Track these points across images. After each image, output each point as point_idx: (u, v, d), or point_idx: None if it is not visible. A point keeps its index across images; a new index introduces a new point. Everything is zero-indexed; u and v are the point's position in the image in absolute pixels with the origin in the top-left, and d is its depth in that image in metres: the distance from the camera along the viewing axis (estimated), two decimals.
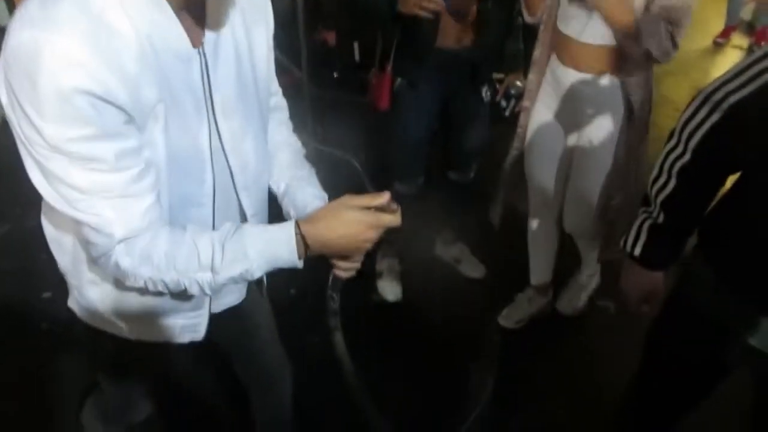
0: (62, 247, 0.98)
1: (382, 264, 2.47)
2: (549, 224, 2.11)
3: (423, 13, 1.68)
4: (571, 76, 1.77)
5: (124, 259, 0.81)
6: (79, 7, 0.71)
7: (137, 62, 0.75)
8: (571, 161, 1.95)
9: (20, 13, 0.72)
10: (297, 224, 0.86)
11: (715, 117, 1.02)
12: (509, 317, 2.29)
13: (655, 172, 1.15)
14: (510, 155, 2.10)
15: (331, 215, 0.87)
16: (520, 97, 1.87)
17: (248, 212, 1.03)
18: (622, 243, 1.23)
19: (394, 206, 0.89)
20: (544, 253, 2.20)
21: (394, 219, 0.88)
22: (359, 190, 2.86)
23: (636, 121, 1.77)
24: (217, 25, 0.86)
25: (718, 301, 1.14)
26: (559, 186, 2.00)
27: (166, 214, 0.88)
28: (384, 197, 0.88)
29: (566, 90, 1.80)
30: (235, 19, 0.90)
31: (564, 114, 1.88)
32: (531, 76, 1.90)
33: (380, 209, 0.88)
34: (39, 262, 1.52)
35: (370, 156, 2.92)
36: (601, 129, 1.81)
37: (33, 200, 0.86)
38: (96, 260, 0.84)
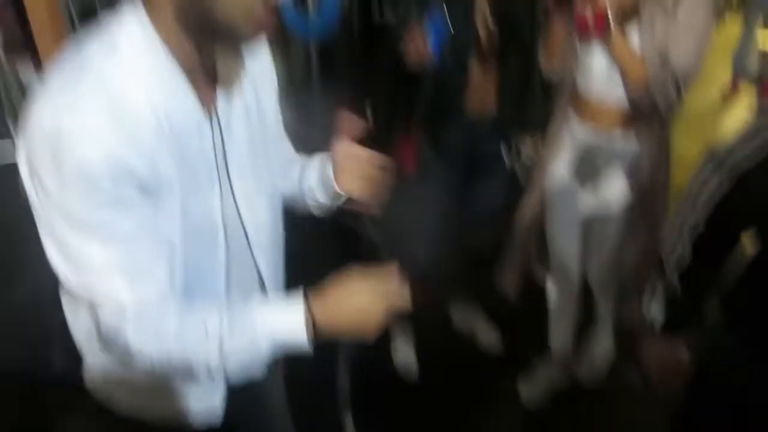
0: (78, 318, 0.97)
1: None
2: (571, 286, 2.07)
3: (411, 62, 1.70)
4: (589, 132, 1.79)
5: (132, 334, 0.80)
6: (97, 86, 0.74)
7: (153, 135, 0.77)
8: (591, 218, 1.93)
9: (42, 94, 0.75)
10: (307, 300, 0.85)
11: (725, 185, 1.02)
12: (530, 391, 2.20)
13: (667, 235, 1.14)
14: (523, 216, 2.07)
15: (339, 288, 0.86)
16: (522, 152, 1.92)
17: (264, 273, 1.03)
18: (637, 306, 1.20)
19: (403, 275, 0.89)
20: (566, 316, 2.15)
21: (404, 290, 0.88)
22: (373, 257, 2.85)
23: (654, 181, 1.78)
24: (228, 87, 0.88)
25: (750, 376, 1.09)
26: (581, 245, 1.97)
27: (180, 284, 0.88)
28: (391, 267, 0.88)
29: (584, 146, 1.82)
30: (244, 83, 0.92)
31: (583, 170, 1.88)
32: (549, 132, 1.93)
33: (389, 279, 0.88)
34: (54, 328, 1.50)
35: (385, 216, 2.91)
36: (617, 187, 1.82)
37: (45, 265, 0.85)
38: (105, 337, 0.83)
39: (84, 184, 0.72)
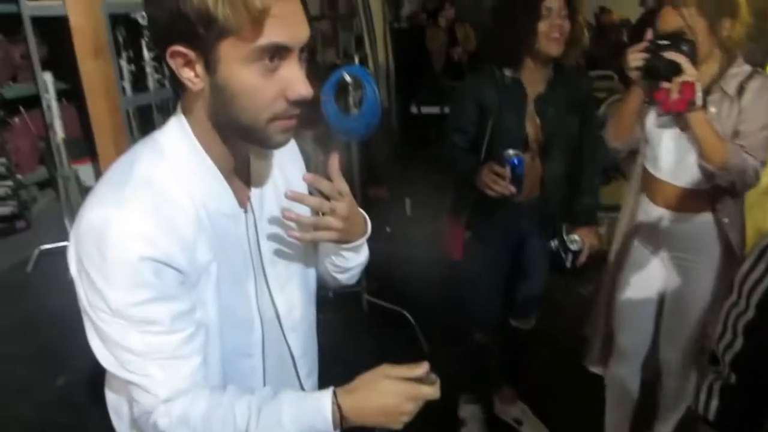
0: (120, 415, 0.97)
1: (465, 411, 2.35)
2: (633, 370, 1.98)
3: (491, 193, 1.75)
4: (664, 215, 1.76)
5: (163, 419, 0.81)
6: (142, 185, 0.79)
7: (193, 227, 0.81)
8: (663, 301, 1.87)
9: (92, 194, 0.80)
10: (334, 393, 0.85)
11: None
12: None
13: (719, 329, 1.07)
14: (599, 302, 2.03)
15: (369, 385, 0.85)
16: (579, 252, 1.86)
17: (296, 354, 1.03)
18: (693, 404, 1.12)
19: (433, 377, 0.87)
20: (624, 404, 2.04)
21: (433, 391, 0.86)
22: (413, 341, 2.81)
23: (735, 260, 1.69)
24: (261, 181, 0.94)
25: None
26: (651, 328, 1.92)
27: (218, 368, 0.90)
28: (423, 368, 0.87)
29: (660, 229, 1.78)
30: (276, 175, 0.98)
31: (659, 252, 1.83)
32: (620, 216, 1.94)
33: (419, 380, 0.86)
34: (93, 418, 1.52)
35: (426, 305, 2.92)
36: (701, 266, 1.75)
37: (92, 354, 0.88)
38: (137, 418, 0.85)
39: (127, 276, 0.75)
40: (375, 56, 5.18)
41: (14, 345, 2.64)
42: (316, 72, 4.82)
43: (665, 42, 1.52)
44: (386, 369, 0.86)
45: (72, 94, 3.36)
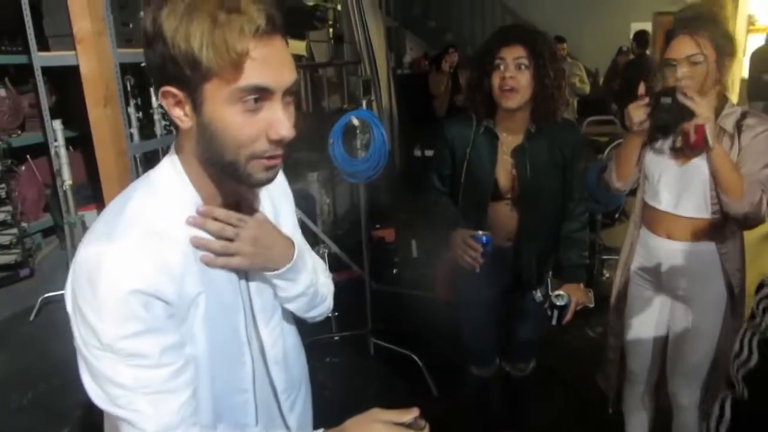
0: None
1: None
2: (645, 395, 2.05)
3: (460, 262, 1.77)
4: (665, 245, 1.81)
5: None
6: (133, 220, 0.81)
7: (182, 260, 0.83)
8: (668, 332, 1.92)
9: (89, 232, 0.83)
10: None
11: None
12: None
13: (736, 347, 1.10)
14: (609, 343, 2.08)
15: (358, 428, 0.86)
16: (565, 308, 1.81)
17: (278, 388, 1.03)
18: (706, 424, 1.12)
19: (422, 423, 0.87)
20: (639, 424, 2.11)
21: None
22: (421, 383, 2.76)
23: (735, 290, 1.75)
24: (250, 213, 0.95)
25: None
26: (659, 359, 1.97)
27: (209, 404, 0.89)
28: (413, 413, 0.87)
29: (661, 259, 1.82)
30: (265, 204, 1.00)
31: (660, 283, 1.87)
32: (622, 251, 1.98)
33: (409, 426, 0.86)
34: None
35: (433, 347, 2.87)
36: (702, 297, 1.79)
37: (94, 406, 0.87)
38: None
39: (116, 309, 0.76)
40: (379, 101, 5.27)
41: (16, 395, 2.59)
42: (322, 116, 4.91)
43: (667, 99, 1.58)
44: (376, 413, 0.86)
45: (78, 141, 3.40)
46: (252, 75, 0.76)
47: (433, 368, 2.88)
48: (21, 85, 3.56)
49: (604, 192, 3.96)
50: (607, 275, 4.09)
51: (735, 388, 1.11)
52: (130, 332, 0.77)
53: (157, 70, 0.78)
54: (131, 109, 2.87)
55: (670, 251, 1.79)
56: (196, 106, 0.79)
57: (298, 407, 1.10)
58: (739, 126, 1.65)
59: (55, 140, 2.90)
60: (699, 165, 1.68)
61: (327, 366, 2.98)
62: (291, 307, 1.07)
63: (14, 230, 3.39)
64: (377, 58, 5.26)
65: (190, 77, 0.76)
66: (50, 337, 2.91)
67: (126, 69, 2.78)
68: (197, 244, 0.87)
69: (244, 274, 0.95)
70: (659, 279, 1.86)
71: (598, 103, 6.50)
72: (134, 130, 2.89)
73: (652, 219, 1.83)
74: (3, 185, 3.27)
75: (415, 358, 2.87)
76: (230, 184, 0.88)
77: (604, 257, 4.16)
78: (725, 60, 1.65)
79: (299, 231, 1.12)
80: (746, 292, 1.77)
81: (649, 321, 1.94)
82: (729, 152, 1.64)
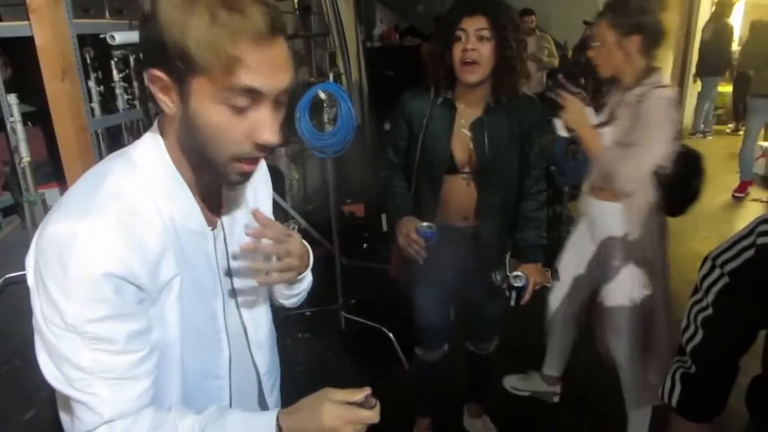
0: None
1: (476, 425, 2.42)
2: (570, 314, 2.41)
3: (406, 254, 1.77)
4: (593, 204, 2.12)
5: None
6: (111, 198, 0.79)
7: (159, 241, 0.82)
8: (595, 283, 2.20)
9: (59, 205, 0.80)
10: (278, 417, 0.86)
11: (723, 280, 1.06)
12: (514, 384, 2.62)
13: (684, 322, 1.16)
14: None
15: (310, 407, 0.87)
16: (523, 289, 1.78)
17: (261, 370, 1.05)
18: (659, 392, 1.18)
19: (373, 402, 0.89)
20: (564, 340, 2.50)
21: (373, 416, 0.87)
22: (392, 358, 2.81)
23: (643, 250, 2.04)
24: (231, 206, 0.96)
25: None
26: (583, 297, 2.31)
27: (177, 391, 0.89)
28: (364, 392, 0.88)
29: (591, 215, 2.17)
30: (249, 197, 1.00)
31: (592, 235, 2.20)
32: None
33: (360, 405, 0.87)
34: None
35: (402, 323, 2.89)
36: (624, 247, 2.07)
37: None
38: None
39: (87, 291, 0.74)
40: (349, 74, 5.20)
41: None
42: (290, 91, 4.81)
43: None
44: (328, 392, 0.88)
45: (37, 117, 3.28)
46: (243, 78, 0.74)
47: (404, 342, 2.92)
48: None
49: (570, 165, 4.03)
50: None
51: (685, 359, 1.16)
52: (98, 316, 0.75)
53: (148, 52, 0.76)
54: (91, 83, 2.78)
55: (598, 209, 2.10)
56: (183, 97, 0.77)
57: (275, 390, 1.12)
58: (641, 98, 1.86)
59: (11, 115, 2.79)
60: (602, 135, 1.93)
61: (299, 341, 3.00)
62: (290, 303, 1.13)
63: None
64: (346, 30, 5.17)
65: (180, 68, 0.75)
66: (12, 319, 2.83)
67: (85, 40, 2.67)
68: (263, 282, 0.91)
69: (227, 261, 0.94)
70: (592, 233, 2.17)
71: (566, 76, 6.53)
72: (95, 105, 2.79)
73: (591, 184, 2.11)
74: None
75: (386, 331, 2.90)
76: (208, 175, 0.87)
77: (570, 228, 4.24)
78: (631, 39, 1.87)
79: (271, 213, 1.13)
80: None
81: (579, 261, 2.25)
82: (626, 122, 1.89)
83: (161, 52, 0.74)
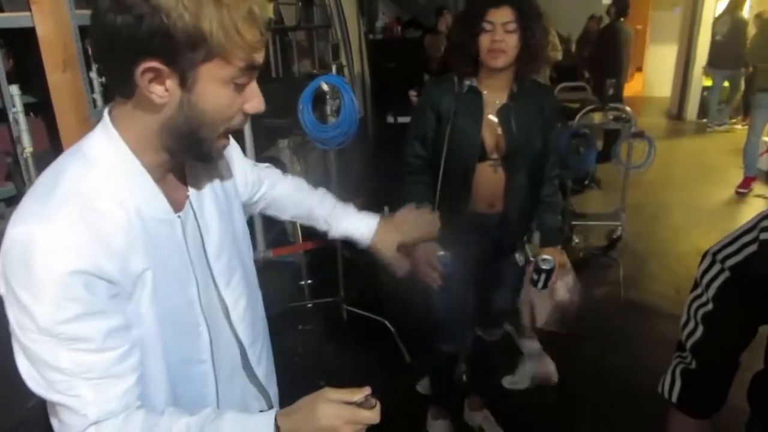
0: None
1: (434, 428, 2.37)
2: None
3: (421, 276, 1.76)
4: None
5: None
6: (67, 196, 0.77)
7: (125, 236, 0.80)
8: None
9: (17, 211, 0.78)
10: (275, 418, 0.84)
11: (724, 275, 1.06)
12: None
13: (684, 318, 1.15)
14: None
15: (308, 408, 0.85)
16: (551, 272, 1.85)
17: (245, 342, 1.04)
18: (659, 387, 1.18)
19: (373, 402, 0.87)
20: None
21: (372, 416, 0.85)
22: (394, 350, 2.80)
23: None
24: (197, 185, 0.95)
25: None
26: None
27: (164, 382, 0.88)
28: (363, 392, 0.86)
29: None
30: (211, 173, 0.99)
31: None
32: None
33: (359, 405, 0.85)
34: None
35: (406, 314, 2.90)
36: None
37: None
38: None
39: (55, 292, 0.73)
40: (351, 66, 5.18)
41: None
42: (292, 82, 4.81)
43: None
44: (327, 392, 0.86)
45: (40, 107, 3.28)
46: (255, 56, 0.78)
47: (405, 335, 2.93)
48: None
49: (573, 158, 4.02)
50: (577, 240, 4.17)
51: (685, 354, 1.16)
52: (71, 315, 0.74)
53: (139, 43, 0.72)
54: (93, 74, 2.77)
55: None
56: (185, 84, 0.76)
57: (264, 359, 1.11)
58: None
59: (14, 106, 2.78)
60: None
61: (300, 333, 3.00)
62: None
63: None
64: (348, 22, 5.15)
65: (186, 55, 0.73)
66: None
67: (86, 32, 2.67)
68: None
69: (201, 242, 0.93)
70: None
71: (569, 69, 6.51)
72: (97, 96, 2.78)
73: None
74: None
75: (388, 324, 2.91)
76: (183, 156, 0.87)
77: (574, 223, 4.23)
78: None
79: (253, 167, 1.20)
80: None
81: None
82: None
83: (161, 41, 0.72)
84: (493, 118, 1.82)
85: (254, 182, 1.23)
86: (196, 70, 0.75)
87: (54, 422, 0.89)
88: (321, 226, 1.32)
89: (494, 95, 1.82)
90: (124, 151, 0.82)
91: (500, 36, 1.68)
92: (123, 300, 0.80)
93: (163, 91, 0.76)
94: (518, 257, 1.93)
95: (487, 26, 1.69)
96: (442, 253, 1.74)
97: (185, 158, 0.88)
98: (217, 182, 1.01)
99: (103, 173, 0.80)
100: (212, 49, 0.73)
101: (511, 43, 1.69)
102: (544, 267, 1.81)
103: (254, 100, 0.82)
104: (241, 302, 1.03)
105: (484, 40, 1.70)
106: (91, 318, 0.76)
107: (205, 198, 0.96)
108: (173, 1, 0.70)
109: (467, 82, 1.81)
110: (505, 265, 2.01)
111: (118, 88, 0.80)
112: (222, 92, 0.78)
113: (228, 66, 0.76)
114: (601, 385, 2.56)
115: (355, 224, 1.33)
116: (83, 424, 0.77)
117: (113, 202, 0.80)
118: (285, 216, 1.34)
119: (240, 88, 0.79)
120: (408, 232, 1.33)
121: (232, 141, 1.08)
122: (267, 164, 1.32)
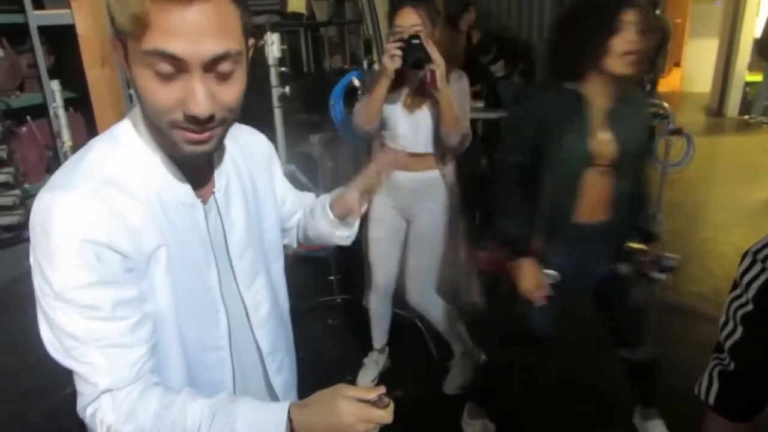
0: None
1: (475, 426, 2.33)
2: (386, 301, 2.59)
3: (525, 294, 1.78)
4: (402, 176, 2.27)
5: (109, 414, 0.80)
6: (91, 170, 0.81)
7: (141, 213, 0.82)
8: (405, 246, 2.41)
9: (48, 182, 0.82)
10: (289, 409, 0.84)
11: (765, 275, 1.02)
12: (361, 380, 2.63)
13: (722, 318, 1.12)
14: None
15: (323, 403, 0.85)
16: (673, 269, 1.78)
17: (264, 350, 1.04)
18: (696, 389, 1.15)
19: (387, 401, 0.86)
20: (380, 325, 2.66)
21: (386, 415, 0.85)
22: (421, 345, 2.79)
23: (452, 199, 2.33)
24: (224, 180, 0.94)
25: None
26: (396, 268, 2.47)
27: (180, 361, 0.89)
28: (378, 391, 0.86)
29: (400, 188, 2.31)
30: (241, 168, 0.99)
31: (398, 206, 2.37)
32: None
33: (374, 403, 0.85)
34: None
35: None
36: (430, 211, 2.32)
37: None
38: (82, 414, 0.83)
39: (69, 258, 0.76)
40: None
41: (23, 354, 2.63)
42: (323, 77, 4.83)
43: (417, 40, 1.99)
44: (343, 388, 0.86)
45: (79, 103, 3.37)
46: (157, 40, 0.71)
47: (433, 331, 2.91)
48: (18, 45, 3.50)
49: None
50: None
51: (723, 356, 1.12)
52: (82, 282, 0.77)
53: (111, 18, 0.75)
54: None
55: (406, 180, 2.27)
56: (130, 61, 0.76)
57: (285, 370, 1.10)
58: (449, 79, 2.11)
59: (54, 101, 2.86)
60: (425, 113, 2.16)
61: (330, 328, 3.02)
62: (344, 242, 1.22)
63: (17, 191, 3.39)
64: (379, 16, 5.14)
65: (115, 28, 0.75)
66: None
67: None
68: None
69: (223, 236, 0.94)
70: (399, 203, 2.34)
71: None
72: (133, 91, 2.85)
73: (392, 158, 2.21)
74: (4, 146, 3.25)
75: (417, 321, 2.89)
76: (166, 145, 0.85)
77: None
78: (435, 29, 2.07)
79: (292, 190, 1.19)
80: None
81: (388, 237, 2.41)
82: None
83: (110, 15, 0.74)
84: (601, 123, 1.74)
85: (293, 201, 1.22)
86: (126, 49, 0.75)
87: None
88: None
89: (598, 99, 1.73)
90: (147, 135, 0.85)
91: (635, 36, 1.61)
92: (138, 275, 0.82)
93: (126, 65, 0.77)
94: (622, 267, 1.82)
95: (621, 26, 1.61)
96: (549, 271, 1.70)
97: (170, 148, 0.85)
98: (249, 186, 1.01)
99: (127, 152, 0.84)
100: (118, 25, 0.72)
101: (641, 45, 1.62)
102: (667, 264, 1.77)
103: (188, 101, 0.75)
104: (263, 308, 1.03)
105: (620, 42, 1.61)
106: (101, 287, 0.78)
107: (233, 197, 0.97)
108: None
109: (569, 88, 1.73)
110: (621, 279, 1.91)
111: None
112: (141, 75, 0.74)
113: (135, 46, 0.73)
114: (604, 397, 2.49)
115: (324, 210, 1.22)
116: (94, 392, 0.80)
117: (133, 180, 0.83)
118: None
119: (166, 79, 0.74)
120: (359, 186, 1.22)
121: (274, 154, 1.10)
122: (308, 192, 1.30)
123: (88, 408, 0.81)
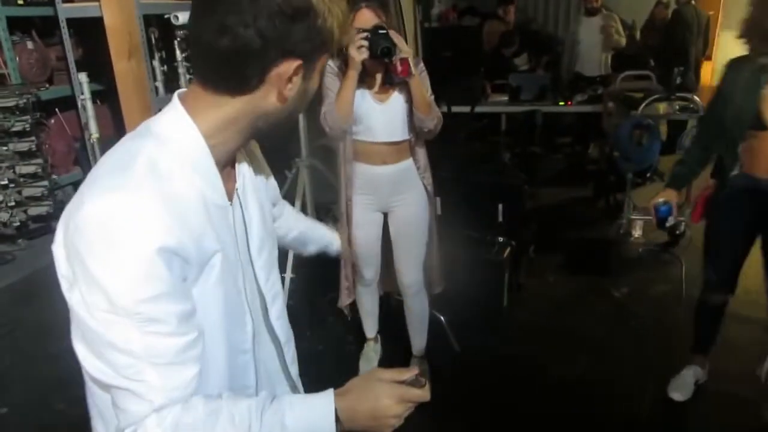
0: (105, 420, 0.92)
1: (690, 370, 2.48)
2: (373, 292, 2.70)
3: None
4: (380, 170, 2.33)
5: (154, 430, 0.76)
6: (147, 174, 0.76)
7: (198, 217, 0.81)
8: (390, 236, 2.49)
9: (90, 182, 0.77)
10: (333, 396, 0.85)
11: None
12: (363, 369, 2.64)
13: None
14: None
15: (361, 388, 0.87)
16: None
17: (282, 340, 1.05)
18: (758, 371, 1.13)
19: (422, 381, 0.88)
20: (370, 314, 2.77)
21: (423, 394, 0.87)
22: (442, 340, 2.79)
23: (428, 187, 2.42)
24: (242, 177, 0.96)
25: None
26: (380, 260, 2.57)
27: (224, 371, 0.89)
28: (412, 372, 0.88)
29: (381, 183, 2.36)
30: (251, 167, 1.00)
31: (376, 201, 2.42)
32: (339, 184, 2.40)
33: (410, 384, 0.87)
34: None
35: (455, 304, 2.86)
36: (411, 199, 2.40)
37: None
38: (121, 430, 0.78)
39: (139, 268, 0.71)
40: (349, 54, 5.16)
41: (51, 343, 2.69)
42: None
43: (382, 31, 2.02)
44: (378, 372, 0.88)
45: (106, 95, 3.41)
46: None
47: (454, 325, 2.90)
48: (48, 37, 3.55)
49: (635, 150, 3.87)
50: (637, 235, 4.02)
51: None
52: (151, 294, 0.72)
53: (282, 44, 0.78)
54: (156, 62, 2.86)
55: (383, 174, 2.33)
56: (308, 75, 0.84)
57: (296, 360, 1.12)
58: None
59: (82, 93, 2.90)
60: (396, 100, 2.21)
61: (348, 321, 3.02)
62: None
63: (45, 182, 3.44)
64: (404, 10, 5.12)
65: (320, 52, 0.83)
66: None
67: (150, 21, 2.75)
68: None
69: (245, 233, 0.94)
70: (379, 199, 2.40)
71: (632, 57, 6.25)
72: (159, 84, 2.88)
73: (368, 152, 2.30)
74: (33, 138, 3.31)
75: (438, 314, 2.89)
76: (271, 139, 0.93)
77: (633, 217, 4.07)
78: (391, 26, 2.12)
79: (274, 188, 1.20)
80: None
81: (372, 236, 2.47)
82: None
83: (316, 41, 0.80)
84: None
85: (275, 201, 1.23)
86: (318, 62, 0.84)
87: (93, 412, 0.93)
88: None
89: None
90: (196, 136, 0.82)
91: None
92: (189, 284, 0.80)
93: (291, 85, 0.82)
94: None
95: None
96: (661, 200, 1.96)
97: (265, 139, 0.95)
98: (260, 180, 1.03)
99: (176, 154, 0.81)
100: (332, 45, 0.83)
101: None
102: None
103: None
104: (279, 300, 1.04)
105: None
106: (168, 299, 0.75)
107: (249, 192, 0.97)
108: (321, 3, 0.78)
109: (761, 61, 1.99)
110: None
111: (232, 85, 0.81)
112: (318, 78, 0.87)
113: (326, 55, 0.85)
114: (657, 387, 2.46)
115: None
116: (146, 410, 0.76)
117: (187, 183, 0.80)
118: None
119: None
120: None
121: (261, 159, 1.11)
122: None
123: (131, 427, 0.77)
